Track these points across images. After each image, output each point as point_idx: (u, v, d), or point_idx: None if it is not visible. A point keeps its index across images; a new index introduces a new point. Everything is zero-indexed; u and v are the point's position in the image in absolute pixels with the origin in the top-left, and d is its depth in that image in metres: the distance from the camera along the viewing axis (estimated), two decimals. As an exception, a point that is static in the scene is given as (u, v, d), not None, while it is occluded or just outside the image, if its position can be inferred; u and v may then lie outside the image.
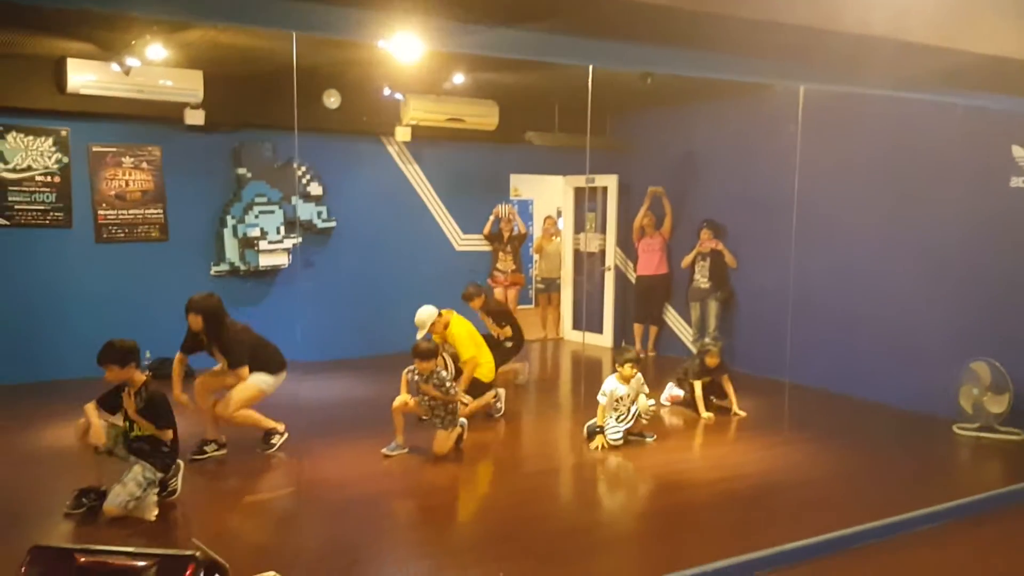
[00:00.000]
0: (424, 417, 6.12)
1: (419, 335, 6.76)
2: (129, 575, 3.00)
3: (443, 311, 7.06)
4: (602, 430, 6.35)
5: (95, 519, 4.75)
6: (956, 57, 4.07)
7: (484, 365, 7.11)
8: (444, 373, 6.09)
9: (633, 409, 6.40)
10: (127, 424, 4.95)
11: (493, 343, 7.59)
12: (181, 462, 5.14)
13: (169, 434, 4.98)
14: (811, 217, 7.93)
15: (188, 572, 2.99)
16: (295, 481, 5.66)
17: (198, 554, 3.01)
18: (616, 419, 6.37)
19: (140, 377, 4.94)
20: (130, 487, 4.75)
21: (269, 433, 6.09)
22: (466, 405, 6.77)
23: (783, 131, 7.64)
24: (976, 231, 7.02)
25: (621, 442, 6.30)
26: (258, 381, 5.98)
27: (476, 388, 7.05)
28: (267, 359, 6.04)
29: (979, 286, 7.00)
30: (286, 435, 6.13)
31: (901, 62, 4.12)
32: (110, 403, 4.99)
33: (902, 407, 7.36)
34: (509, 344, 7.90)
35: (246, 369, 5.89)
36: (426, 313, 6.95)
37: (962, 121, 6.84)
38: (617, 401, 6.38)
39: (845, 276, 8.01)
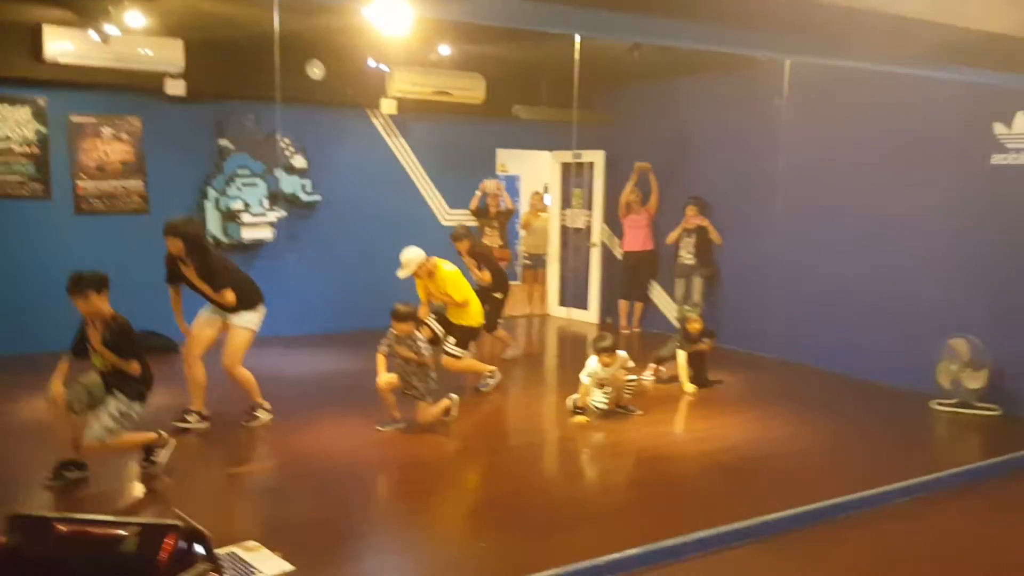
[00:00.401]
0: (406, 392, 6.09)
1: (401, 274, 6.74)
2: (109, 543, 2.97)
3: (429, 258, 6.99)
4: (583, 410, 6.37)
5: (77, 491, 4.73)
6: (945, 32, 4.07)
7: (474, 308, 7.06)
8: (420, 336, 6.05)
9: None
10: (96, 361, 4.81)
11: (484, 296, 7.57)
12: (174, 441, 5.10)
13: (135, 366, 4.80)
14: (796, 193, 7.94)
15: (169, 541, 2.97)
16: (278, 453, 5.65)
17: (179, 523, 2.98)
18: (603, 393, 6.40)
19: (109, 310, 4.79)
20: (103, 419, 4.66)
21: (255, 406, 6.06)
22: (459, 358, 6.79)
23: (769, 107, 7.63)
24: (958, 208, 7.05)
25: (604, 407, 6.35)
26: (245, 322, 5.92)
27: (466, 334, 7.02)
28: (247, 293, 5.95)
29: (961, 263, 7.04)
30: (271, 416, 6.11)
31: (890, 36, 4.11)
32: (82, 346, 4.86)
33: (884, 383, 7.41)
34: (497, 294, 7.90)
35: (231, 292, 5.77)
36: (412, 253, 6.89)
37: (946, 98, 6.85)
38: (601, 383, 6.40)
39: (830, 253, 8.03)
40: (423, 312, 7.02)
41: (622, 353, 6.46)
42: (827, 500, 4.69)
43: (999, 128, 6.83)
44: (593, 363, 6.38)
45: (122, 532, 2.98)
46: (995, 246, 6.84)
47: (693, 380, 7.30)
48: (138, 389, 4.85)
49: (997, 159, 6.83)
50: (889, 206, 7.54)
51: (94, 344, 4.74)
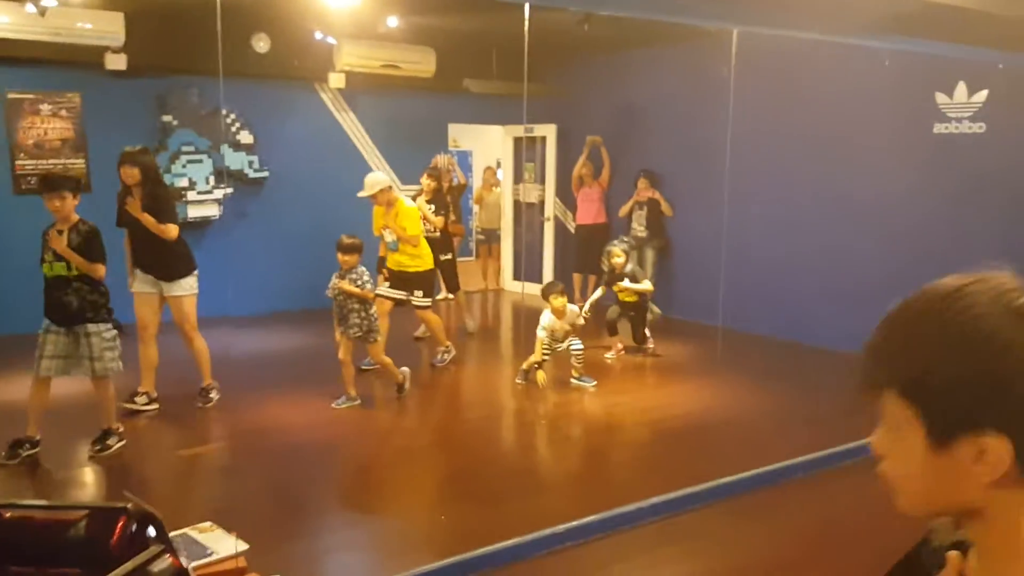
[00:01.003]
0: (344, 332, 5.98)
1: (361, 193, 6.69)
2: (57, 529, 2.91)
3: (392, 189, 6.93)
4: (541, 365, 6.44)
5: (29, 471, 4.64)
6: (891, 3, 4.13)
7: (424, 250, 6.94)
8: (364, 271, 5.99)
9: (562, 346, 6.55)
10: (50, 265, 4.79)
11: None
12: (123, 429, 5.09)
13: (101, 269, 4.84)
14: (745, 165, 8.02)
15: (119, 524, 2.91)
16: (231, 433, 5.59)
17: (130, 506, 2.93)
18: (554, 340, 6.49)
19: (75, 215, 4.86)
20: (107, 355, 4.84)
21: (207, 388, 5.98)
22: (431, 306, 6.92)
23: (718, 79, 7.67)
24: (902, 177, 7.19)
25: (581, 353, 6.53)
26: (187, 288, 5.84)
27: (427, 280, 6.95)
28: (186, 257, 5.89)
29: (905, 230, 7.19)
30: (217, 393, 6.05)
31: (834, 6, 4.15)
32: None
33: (833, 348, 7.56)
34: (446, 255, 7.88)
35: (174, 228, 5.68)
36: (377, 176, 6.85)
37: (888, 68, 6.95)
38: (552, 332, 6.51)
39: (778, 223, 8.14)
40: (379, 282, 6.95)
41: (572, 307, 6.56)
42: (777, 463, 4.78)
43: (941, 98, 6.96)
44: (547, 317, 6.44)
45: (70, 516, 2.92)
46: (939, 213, 7.00)
47: (633, 338, 7.49)
48: (107, 308, 4.91)
49: (939, 128, 6.97)
50: (835, 176, 7.66)
51: (60, 249, 4.73)
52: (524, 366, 6.59)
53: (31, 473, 4.69)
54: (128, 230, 5.77)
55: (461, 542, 3.94)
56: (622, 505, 4.19)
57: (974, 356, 0.85)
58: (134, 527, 2.93)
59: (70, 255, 4.73)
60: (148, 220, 5.56)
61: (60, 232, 4.78)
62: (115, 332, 4.94)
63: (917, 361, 0.89)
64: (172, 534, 3.24)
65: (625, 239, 8.18)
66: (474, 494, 4.58)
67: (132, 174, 5.61)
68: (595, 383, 6.58)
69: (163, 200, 5.73)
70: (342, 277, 5.89)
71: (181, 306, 5.82)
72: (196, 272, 5.93)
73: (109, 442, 4.98)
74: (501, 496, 4.54)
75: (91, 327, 4.82)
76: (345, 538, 4.17)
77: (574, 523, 4.00)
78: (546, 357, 6.51)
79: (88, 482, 4.81)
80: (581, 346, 6.62)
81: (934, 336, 0.88)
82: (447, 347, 7.21)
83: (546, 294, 6.57)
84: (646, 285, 7.53)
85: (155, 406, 5.82)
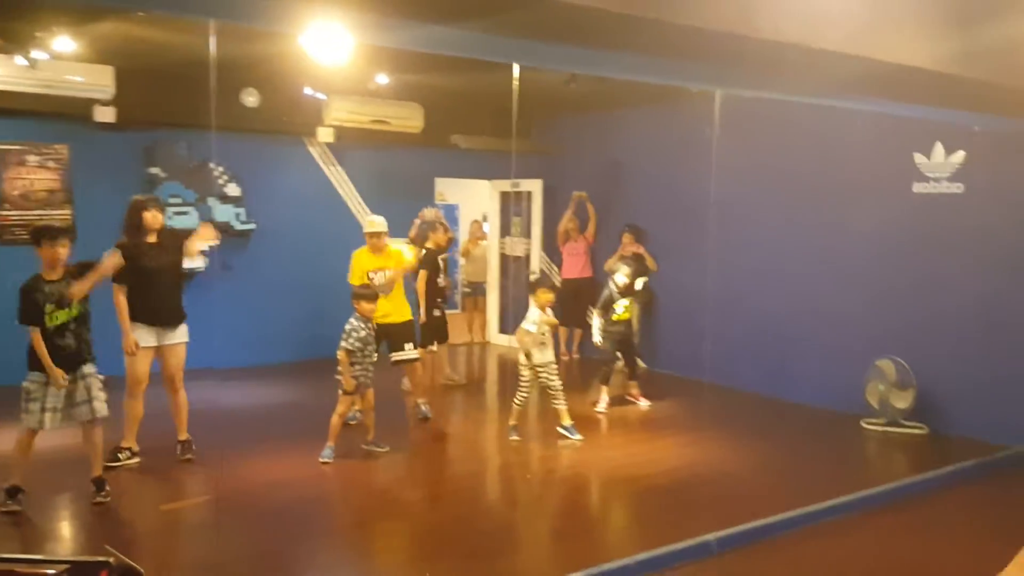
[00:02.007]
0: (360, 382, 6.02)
1: (373, 228, 6.80)
2: (37, 584, 2.86)
3: None
4: (528, 358, 6.55)
5: (12, 522, 4.58)
6: (866, 65, 4.24)
7: (401, 298, 6.93)
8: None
9: (549, 348, 6.65)
10: (52, 316, 4.84)
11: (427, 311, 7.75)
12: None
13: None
14: (728, 221, 8.14)
15: (101, 579, 2.87)
16: (213, 487, 5.51)
17: (112, 560, 2.89)
18: (540, 343, 6.54)
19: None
20: (101, 395, 4.97)
21: (188, 442, 5.93)
22: (420, 357, 7.04)
23: (701, 137, 7.83)
24: (883, 235, 7.31)
25: (559, 392, 6.58)
26: (184, 335, 5.87)
27: (411, 330, 6.93)
28: (181, 305, 5.95)
29: (886, 287, 7.29)
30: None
31: (813, 69, 4.27)
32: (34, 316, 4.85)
33: (815, 405, 7.60)
34: (436, 311, 7.86)
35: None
36: (383, 220, 6.94)
37: (868, 129, 7.12)
38: (542, 332, 6.57)
39: (760, 279, 8.23)
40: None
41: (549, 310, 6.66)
42: (763, 519, 4.77)
43: (919, 158, 7.12)
44: (535, 312, 6.52)
45: (51, 571, 2.87)
46: (918, 271, 7.10)
47: (627, 366, 7.64)
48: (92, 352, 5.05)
49: (919, 188, 7.12)
50: (818, 233, 7.78)
51: (78, 292, 4.87)
52: (512, 421, 6.56)
53: (14, 524, 4.61)
54: (135, 281, 5.57)
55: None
56: (607, 562, 4.15)
57: None
58: (115, 582, 2.89)
59: (91, 280, 4.93)
60: (207, 232, 5.85)
61: (54, 281, 4.87)
62: (101, 378, 5.06)
63: None
64: (153, 590, 3.19)
65: (632, 260, 8.16)
66: (458, 550, 4.53)
67: (160, 218, 5.79)
68: (582, 438, 6.55)
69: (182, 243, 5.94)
70: (367, 328, 6.02)
71: (179, 354, 5.83)
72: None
73: (106, 491, 5.03)
74: (486, 552, 4.50)
75: (87, 368, 4.95)
76: (327, 595, 4.11)
77: (560, 580, 3.96)
78: (526, 389, 6.57)
79: (69, 535, 4.73)
80: (560, 387, 6.59)
81: None
82: (427, 400, 7.20)
83: (535, 287, 6.65)
84: (640, 283, 7.69)
85: (137, 459, 5.76)
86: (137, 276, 5.55)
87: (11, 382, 5.10)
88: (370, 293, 6.10)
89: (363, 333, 5.98)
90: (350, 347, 5.93)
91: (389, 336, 6.77)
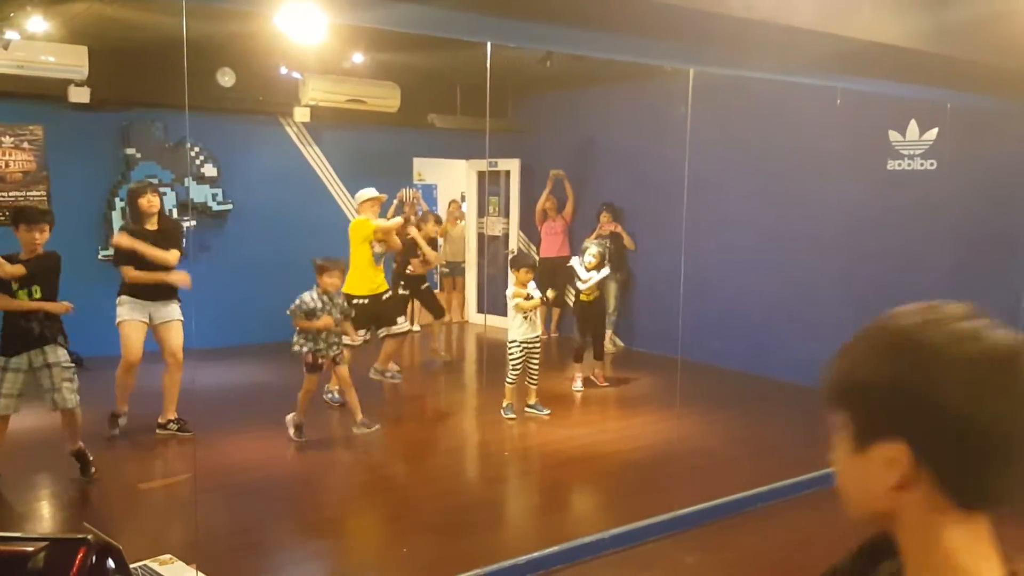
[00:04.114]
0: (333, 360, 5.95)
1: (367, 196, 6.92)
2: (15, 561, 2.87)
3: None
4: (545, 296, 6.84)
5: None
6: (838, 43, 4.27)
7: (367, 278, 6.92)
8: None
9: (538, 323, 6.77)
10: (22, 292, 4.80)
11: (413, 285, 7.95)
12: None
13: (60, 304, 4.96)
14: (704, 199, 8.17)
15: (79, 556, 2.88)
16: (193, 466, 5.53)
17: (90, 537, 2.91)
18: (524, 318, 6.63)
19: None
20: (67, 385, 4.83)
21: (169, 421, 5.97)
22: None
23: (675, 114, 7.85)
24: (857, 211, 7.39)
25: (536, 374, 6.69)
26: (179, 313, 5.97)
27: (399, 305, 7.17)
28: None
29: (860, 263, 7.38)
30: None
31: (784, 46, 4.30)
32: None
33: (790, 380, 7.69)
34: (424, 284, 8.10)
35: (176, 253, 5.89)
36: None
37: (843, 107, 7.17)
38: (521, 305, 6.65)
39: (737, 256, 8.30)
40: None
41: (532, 283, 6.73)
42: (739, 493, 4.85)
43: (894, 136, 7.19)
44: (511, 291, 6.66)
45: (28, 548, 2.89)
46: (891, 246, 7.19)
47: (593, 346, 7.59)
48: (64, 336, 4.96)
49: (892, 165, 7.19)
50: (793, 210, 7.86)
51: (14, 272, 4.74)
52: (506, 400, 6.63)
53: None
54: (136, 264, 5.78)
55: (423, 574, 3.95)
56: (583, 536, 4.22)
57: (899, 363, 0.90)
58: (94, 559, 2.91)
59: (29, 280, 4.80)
60: (159, 249, 5.78)
61: (25, 261, 4.81)
62: (73, 364, 4.96)
63: (848, 367, 0.96)
64: (132, 566, 3.22)
65: (601, 241, 8.14)
66: (436, 526, 4.58)
67: (155, 202, 5.84)
68: (549, 412, 6.66)
69: (178, 227, 6.07)
70: (332, 303, 5.88)
71: (175, 331, 5.90)
72: None
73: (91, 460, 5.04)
74: (463, 528, 4.55)
75: (52, 355, 4.84)
76: (307, 572, 4.15)
77: (535, 554, 4.02)
78: (518, 368, 6.62)
79: (48, 514, 4.74)
80: (538, 367, 6.71)
81: (867, 345, 0.95)
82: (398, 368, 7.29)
83: (516, 265, 6.74)
84: (604, 272, 7.56)
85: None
86: (138, 261, 5.75)
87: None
88: (335, 265, 5.93)
89: (314, 306, 5.81)
90: (290, 311, 5.84)
91: (381, 309, 6.82)
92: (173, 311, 5.90)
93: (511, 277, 6.74)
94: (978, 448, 0.87)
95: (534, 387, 6.70)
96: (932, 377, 0.87)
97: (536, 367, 6.65)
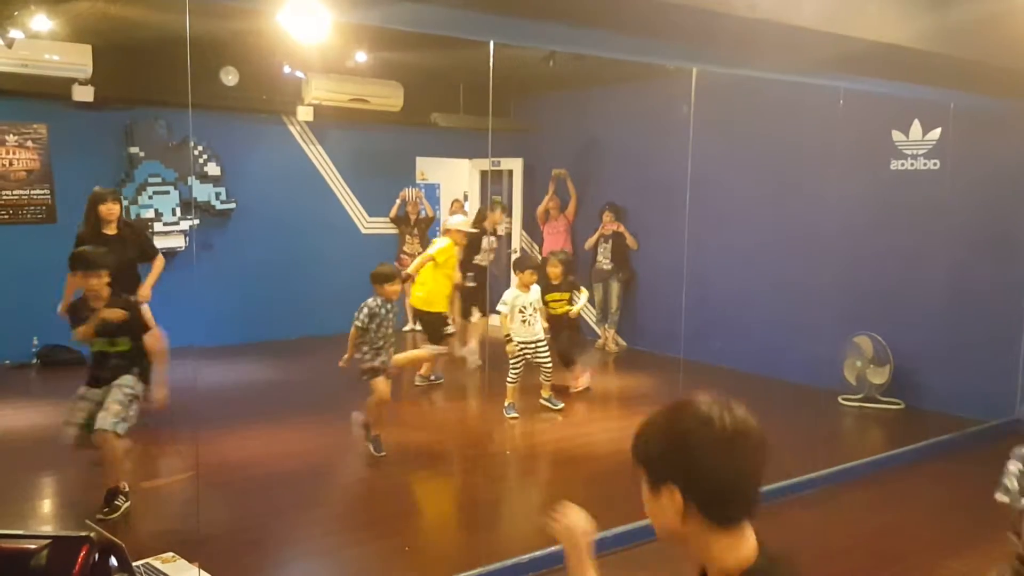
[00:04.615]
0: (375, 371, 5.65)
1: (452, 227, 7.41)
2: (18, 559, 2.87)
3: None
4: (509, 336, 6.68)
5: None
6: (841, 43, 4.28)
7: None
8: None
9: (537, 325, 6.72)
10: (99, 342, 4.57)
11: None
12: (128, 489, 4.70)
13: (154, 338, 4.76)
14: (706, 199, 8.18)
15: (82, 554, 2.89)
16: (195, 464, 5.54)
17: (93, 535, 2.91)
18: (522, 322, 6.65)
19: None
20: (113, 408, 4.36)
21: None
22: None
23: (678, 115, 7.85)
24: (860, 212, 7.38)
25: (550, 370, 6.80)
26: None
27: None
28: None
29: (862, 264, 7.37)
30: None
31: (787, 46, 4.30)
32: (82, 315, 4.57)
33: (792, 381, 7.69)
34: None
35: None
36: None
37: (846, 106, 7.16)
38: (522, 310, 6.65)
39: (739, 256, 8.30)
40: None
41: (536, 287, 6.75)
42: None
43: (897, 135, 7.18)
44: (511, 292, 6.67)
45: (31, 546, 2.89)
46: (894, 246, 7.18)
47: (561, 355, 7.38)
48: (144, 367, 4.68)
49: (896, 165, 7.19)
50: (795, 210, 7.84)
51: (107, 315, 4.50)
52: (508, 399, 6.65)
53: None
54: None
55: (425, 571, 3.95)
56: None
57: (668, 440, 1.43)
58: (96, 557, 2.91)
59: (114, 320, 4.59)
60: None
61: (96, 310, 4.55)
62: (134, 393, 4.59)
63: (642, 442, 1.48)
64: (135, 564, 3.23)
65: (563, 252, 8.07)
66: (439, 524, 4.59)
67: (115, 211, 5.98)
68: (562, 405, 6.71)
69: (146, 233, 6.14)
70: (389, 310, 5.64)
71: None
72: None
73: (116, 503, 4.58)
74: (466, 526, 4.56)
75: (118, 380, 4.56)
76: (309, 569, 4.16)
77: (538, 552, 4.02)
78: (517, 368, 6.64)
79: (50, 513, 4.75)
80: (550, 365, 6.77)
81: (652, 428, 1.48)
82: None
83: (520, 267, 6.75)
84: (582, 299, 7.39)
85: None
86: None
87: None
88: (393, 273, 5.77)
89: (379, 311, 5.57)
90: (360, 324, 5.56)
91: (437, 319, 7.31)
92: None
93: (513, 279, 6.74)
94: (719, 488, 1.39)
95: (548, 383, 6.81)
96: (690, 452, 1.40)
97: (548, 366, 6.75)
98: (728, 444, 1.40)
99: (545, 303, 7.13)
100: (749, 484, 1.42)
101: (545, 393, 6.82)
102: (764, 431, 1.46)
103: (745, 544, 1.42)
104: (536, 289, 6.75)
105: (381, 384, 5.59)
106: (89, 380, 4.61)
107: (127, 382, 4.53)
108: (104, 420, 4.34)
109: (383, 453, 5.58)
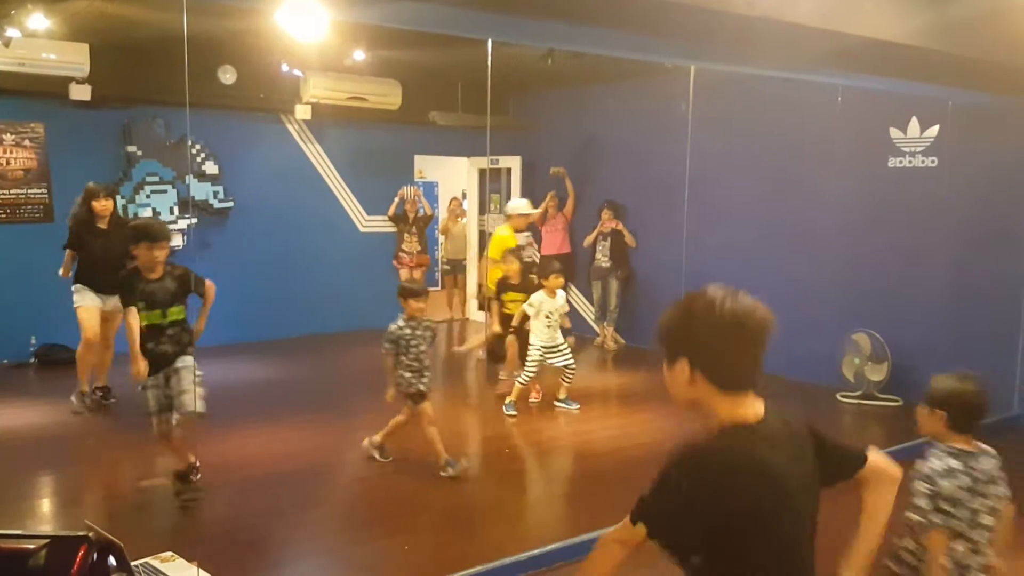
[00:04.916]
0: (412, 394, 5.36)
1: (520, 211, 7.46)
2: (16, 559, 2.87)
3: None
4: (515, 329, 6.72)
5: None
6: (839, 40, 4.28)
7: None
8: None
9: (558, 330, 6.70)
10: (153, 314, 4.67)
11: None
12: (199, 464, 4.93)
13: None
14: (705, 196, 8.18)
15: (80, 553, 2.88)
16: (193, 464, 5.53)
17: (91, 535, 2.91)
18: (547, 327, 6.62)
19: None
20: (195, 391, 4.59)
21: (105, 388, 6.72)
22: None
23: (676, 112, 7.85)
24: (858, 209, 7.39)
25: (574, 373, 6.80)
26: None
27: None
28: None
29: (860, 261, 7.37)
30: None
31: (785, 43, 4.30)
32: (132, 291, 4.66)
33: (790, 378, 7.67)
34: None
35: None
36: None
37: (844, 104, 7.17)
38: (548, 315, 6.63)
39: (738, 253, 8.29)
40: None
41: (562, 293, 6.74)
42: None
43: (895, 133, 7.18)
44: (539, 296, 6.65)
45: (29, 546, 2.89)
46: (892, 244, 7.19)
47: (493, 353, 7.41)
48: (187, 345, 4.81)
49: (894, 162, 7.19)
50: (794, 208, 7.85)
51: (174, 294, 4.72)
52: (511, 397, 6.67)
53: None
54: (84, 255, 6.38)
55: (425, 570, 3.95)
56: (585, 533, 4.22)
57: (680, 320, 1.79)
58: (95, 556, 2.91)
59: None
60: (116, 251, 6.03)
61: (152, 281, 4.68)
62: (200, 372, 4.76)
63: (661, 324, 1.83)
64: (133, 563, 3.22)
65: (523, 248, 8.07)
66: (439, 522, 4.59)
67: (109, 207, 6.37)
68: (578, 407, 6.75)
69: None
70: (422, 329, 5.33)
71: (116, 319, 6.35)
72: None
73: (192, 477, 4.85)
74: (467, 525, 4.56)
75: (179, 362, 4.68)
76: (308, 568, 4.16)
77: (536, 551, 4.03)
78: (532, 371, 6.66)
79: (48, 513, 4.75)
80: (574, 365, 6.79)
81: (668, 312, 1.83)
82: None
83: (544, 272, 6.74)
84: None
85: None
86: (86, 252, 6.35)
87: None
88: (419, 289, 5.41)
89: (401, 333, 5.25)
90: (384, 350, 5.29)
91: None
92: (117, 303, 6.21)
93: (535, 293, 6.71)
94: (719, 359, 1.74)
95: (567, 384, 6.81)
96: (695, 328, 1.75)
97: (572, 369, 6.76)
98: (727, 325, 1.69)
99: (501, 301, 7.12)
100: (747, 359, 1.73)
101: (561, 395, 6.81)
102: (771, 318, 1.76)
103: (747, 408, 1.74)
104: (561, 295, 6.73)
105: (428, 409, 5.37)
106: (151, 357, 4.64)
107: (191, 363, 4.69)
108: (191, 402, 4.59)
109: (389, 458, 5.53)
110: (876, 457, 2.05)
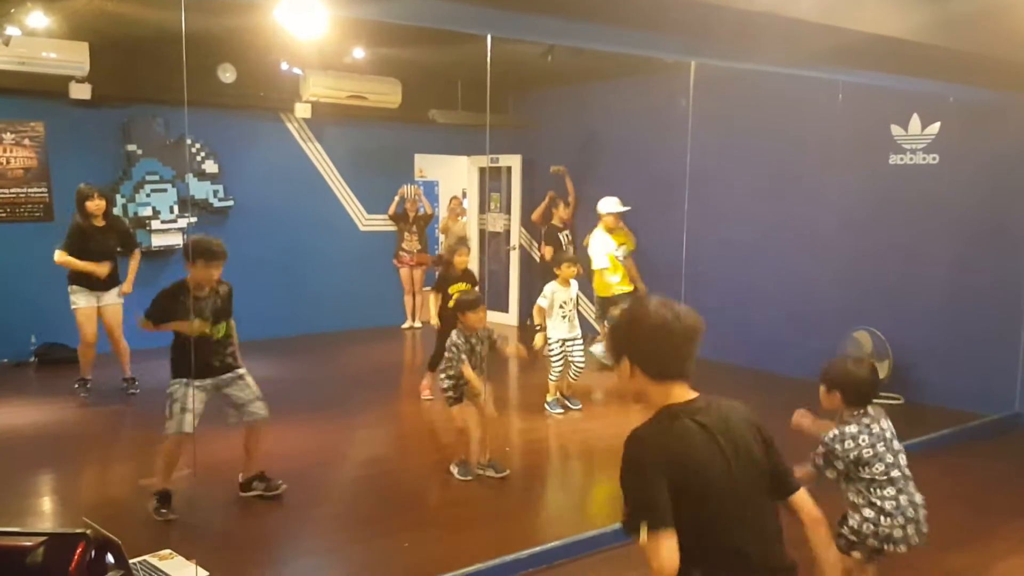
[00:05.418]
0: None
1: (613, 210, 7.67)
2: (14, 556, 2.86)
3: None
4: (542, 328, 6.64)
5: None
6: (840, 35, 4.26)
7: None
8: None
9: (575, 321, 6.69)
10: (207, 329, 4.66)
11: None
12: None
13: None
14: (705, 194, 8.16)
15: (78, 551, 2.87)
16: (193, 462, 5.52)
17: (89, 532, 2.90)
18: (562, 318, 6.63)
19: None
20: (260, 398, 4.79)
21: (133, 379, 6.95)
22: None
23: (676, 108, 7.84)
24: (859, 207, 7.37)
25: (582, 368, 6.80)
26: (119, 297, 6.86)
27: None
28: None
29: (861, 258, 7.35)
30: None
31: (785, 39, 4.29)
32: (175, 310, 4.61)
33: (791, 375, 7.67)
34: None
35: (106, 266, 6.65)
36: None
37: (845, 101, 7.15)
38: (562, 306, 6.64)
39: (738, 251, 8.29)
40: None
41: (574, 282, 6.75)
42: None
43: (896, 130, 7.16)
44: (552, 286, 6.64)
45: (27, 543, 2.88)
46: (893, 241, 7.17)
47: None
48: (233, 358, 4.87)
49: (895, 159, 7.17)
50: (795, 205, 7.84)
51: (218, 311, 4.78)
52: (550, 396, 6.72)
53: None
54: (81, 255, 6.54)
55: (423, 569, 3.94)
56: (586, 531, 4.21)
57: (624, 326, 2.17)
58: (93, 553, 2.89)
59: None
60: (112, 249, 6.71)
61: (200, 298, 4.70)
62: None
63: (609, 330, 2.19)
64: (131, 561, 3.21)
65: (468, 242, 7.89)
66: (438, 521, 4.58)
67: (102, 206, 6.57)
68: (580, 405, 6.80)
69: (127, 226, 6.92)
70: (479, 342, 5.22)
71: (114, 312, 6.74)
72: None
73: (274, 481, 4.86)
74: (467, 523, 4.55)
75: (241, 368, 4.76)
76: (307, 566, 4.15)
77: (537, 549, 4.02)
78: (559, 365, 6.67)
79: (47, 511, 4.74)
80: (583, 363, 6.79)
81: (618, 320, 2.22)
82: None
83: (559, 262, 6.74)
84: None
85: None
86: (83, 251, 6.51)
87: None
88: (474, 300, 5.22)
89: (464, 346, 5.16)
90: (460, 361, 5.16)
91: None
92: (112, 296, 6.74)
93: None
94: (651, 355, 2.11)
95: (573, 381, 6.83)
96: (632, 331, 2.14)
97: (581, 363, 6.75)
98: (658, 328, 2.07)
99: (448, 294, 6.82)
100: (676, 355, 2.10)
101: (565, 392, 6.84)
102: (700, 323, 2.13)
103: (678, 394, 2.12)
104: (575, 285, 6.74)
105: (488, 406, 5.36)
106: (198, 370, 4.56)
107: (245, 370, 4.85)
108: (261, 409, 4.78)
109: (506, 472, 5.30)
110: (805, 496, 2.31)
